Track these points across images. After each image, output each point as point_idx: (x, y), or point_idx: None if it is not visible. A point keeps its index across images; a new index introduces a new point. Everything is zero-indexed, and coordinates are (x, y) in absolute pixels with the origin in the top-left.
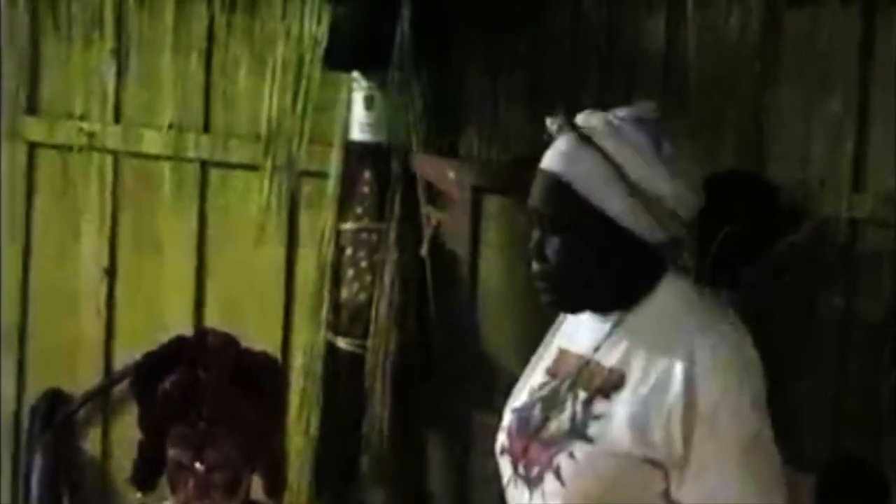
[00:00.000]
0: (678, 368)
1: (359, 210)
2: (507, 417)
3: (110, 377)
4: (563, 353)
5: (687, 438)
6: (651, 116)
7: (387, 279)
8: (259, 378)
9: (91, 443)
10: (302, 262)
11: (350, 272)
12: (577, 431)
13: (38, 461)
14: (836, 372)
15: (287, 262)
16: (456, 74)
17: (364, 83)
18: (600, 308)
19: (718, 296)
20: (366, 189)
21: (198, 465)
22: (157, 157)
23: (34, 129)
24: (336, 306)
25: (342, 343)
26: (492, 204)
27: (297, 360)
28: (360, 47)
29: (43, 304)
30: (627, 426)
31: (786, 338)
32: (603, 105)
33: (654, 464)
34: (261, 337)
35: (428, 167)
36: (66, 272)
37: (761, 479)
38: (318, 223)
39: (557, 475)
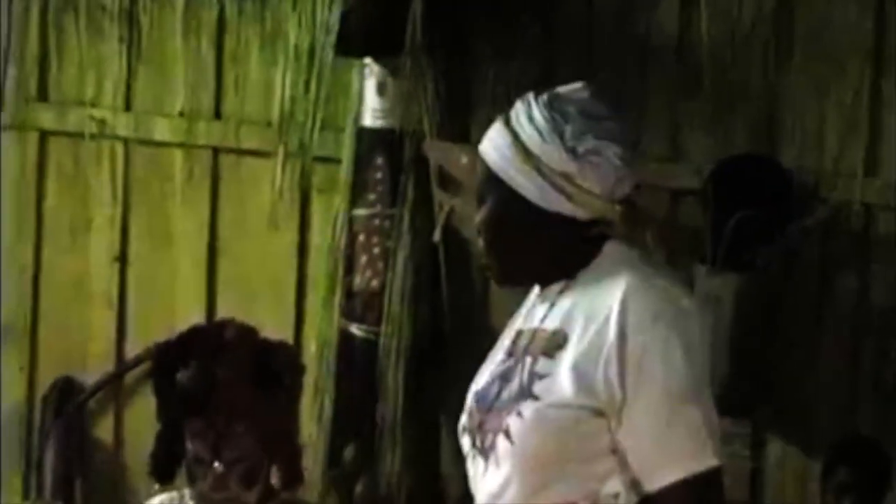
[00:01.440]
0: (613, 319)
1: (371, 196)
2: (469, 399)
3: (122, 365)
4: (518, 332)
5: (622, 385)
6: (578, 95)
7: (399, 265)
8: (277, 371)
9: (103, 430)
10: (314, 249)
11: (363, 258)
12: (524, 392)
13: (50, 449)
14: (848, 354)
15: (299, 249)
16: (468, 60)
17: (376, 69)
18: (539, 280)
19: (658, 258)
20: (378, 175)
21: (216, 464)
22: (168, 145)
23: (45, 117)
24: (349, 293)
25: (356, 329)
26: None
27: (311, 347)
28: (372, 34)
29: (54, 292)
30: (570, 378)
31: (799, 320)
32: (617, 90)
33: (598, 413)
34: (274, 323)
35: (440, 153)
36: (77, 260)
37: (690, 427)
38: (330, 209)
39: (507, 435)
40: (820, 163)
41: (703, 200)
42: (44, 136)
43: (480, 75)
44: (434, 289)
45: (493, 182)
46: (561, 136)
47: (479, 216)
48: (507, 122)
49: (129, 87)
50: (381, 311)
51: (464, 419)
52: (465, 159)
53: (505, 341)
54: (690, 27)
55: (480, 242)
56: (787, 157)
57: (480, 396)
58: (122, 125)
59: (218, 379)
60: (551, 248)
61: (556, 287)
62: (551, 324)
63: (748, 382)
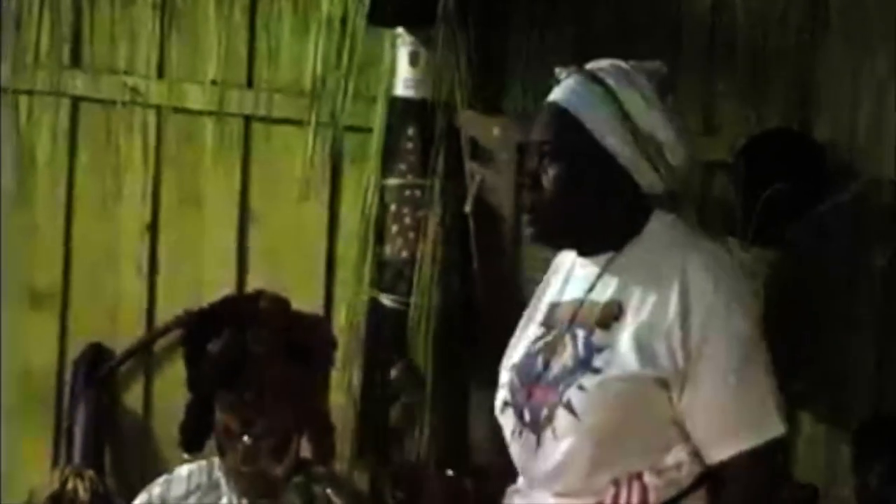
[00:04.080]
0: (674, 288)
1: (402, 166)
2: (506, 375)
3: (152, 332)
4: (553, 305)
5: (686, 351)
6: (660, 72)
7: (430, 236)
8: (309, 344)
9: (132, 398)
10: (345, 219)
11: (394, 228)
12: (582, 364)
13: (80, 415)
14: (879, 330)
15: (330, 219)
16: (501, 31)
17: (409, 39)
18: (580, 244)
19: (697, 225)
20: (410, 145)
21: (245, 437)
22: (200, 113)
23: (78, 84)
24: (380, 263)
25: (386, 300)
26: None
27: (340, 317)
28: (405, 3)
29: (85, 259)
30: (632, 349)
31: (831, 295)
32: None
33: (662, 384)
34: (303, 293)
35: (472, 123)
36: (108, 228)
37: (756, 396)
38: (361, 179)
39: (570, 409)
40: (853, 138)
41: (735, 175)
42: (76, 103)
43: (513, 46)
44: (464, 259)
45: (576, 139)
46: (664, 104)
47: (549, 170)
48: (599, 80)
49: (161, 55)
50: (412, 282)
51: (505, 395)
52: (497, 130)
53: (536, 314)
54: (725, 1)
55: (528, 197)
56: (819, 133)
57: (523, 371)
58: (155, 93)
59: (249, 352)
60: (610, 215)
61: (601, 258)
62: (602, 295)
63: (780, 358)
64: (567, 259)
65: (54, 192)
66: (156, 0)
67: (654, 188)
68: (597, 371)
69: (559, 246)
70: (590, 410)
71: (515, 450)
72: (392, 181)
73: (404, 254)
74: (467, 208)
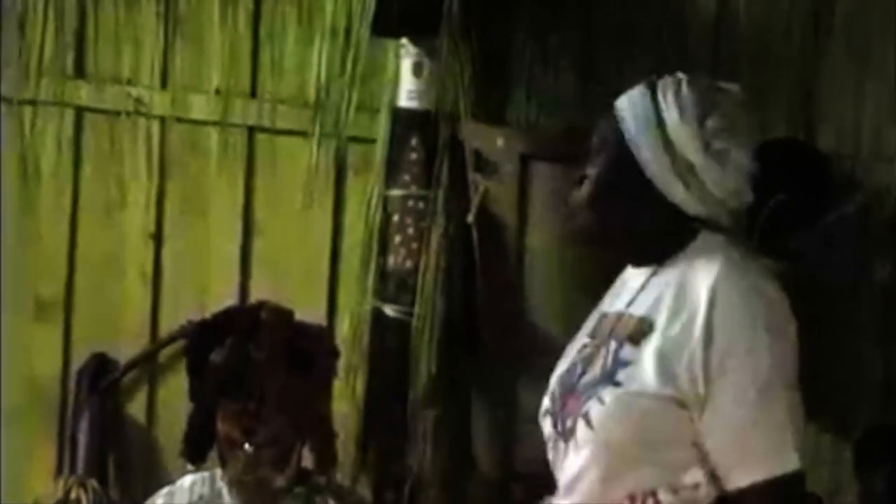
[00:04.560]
0: (701, 312)
1: (406, 177)
2: (552, 383)
3: (156, 342)
4: (603, 316)
5: (707, 375)
6: (734, 96)
7: (434, 246)
8: (312, 354)
9: (136, 407)
10: (349, 229)
11: (397, 239)
12: (606, 378)
13: (83, 425)
14: (883, 340)
15: (334, 229)
16: (505, 41)
17: (412, 49)
18: (624, 254)
19: (754, 254)
20: (413, 156)
21: (247, 446)
22: (204, 123)
23: (82, 94)
24: (383, 273)
25: (389, 310)
26: (540, 171)
27: (344, 327)
28: (408, 13)
29: (89, 269)
30: (654, 367)
31: (834, 308)
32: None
33: (680, 404)
34: (307, 303)
35: (476, 134)
36: (112, 237)
37: (775, 429)
38: (365, 190)
39: (587, 421)
40: (857, 148)
41: None
42: (80, 113)
43: (517, 57)
44: (468, 270)
45: (617, 141)
46: (701, 125)
47: (590, 170)
48: (654, 91)
49: (165, 65)
50: (415, 292)
51: (546, 402)
52: (500, 141)
53: (590, 323)
54: (728, 8)
55: (579, 197)
56: (824, 143)
57: (563, 380)
58: (159, 103)
59: (252, 361)
60: (649, 228)
61: (645, 271)
62: (638, 309)
63: None
64: (629, 271)
65: (58, 201)
66: (159, 10)
67: (689, 208)
68: (618, 385)
69: (601, 249)
70: (605, 424)
71: (551, 458)
72: (395, 192)
73: (407, 264)
74: (470, 219)
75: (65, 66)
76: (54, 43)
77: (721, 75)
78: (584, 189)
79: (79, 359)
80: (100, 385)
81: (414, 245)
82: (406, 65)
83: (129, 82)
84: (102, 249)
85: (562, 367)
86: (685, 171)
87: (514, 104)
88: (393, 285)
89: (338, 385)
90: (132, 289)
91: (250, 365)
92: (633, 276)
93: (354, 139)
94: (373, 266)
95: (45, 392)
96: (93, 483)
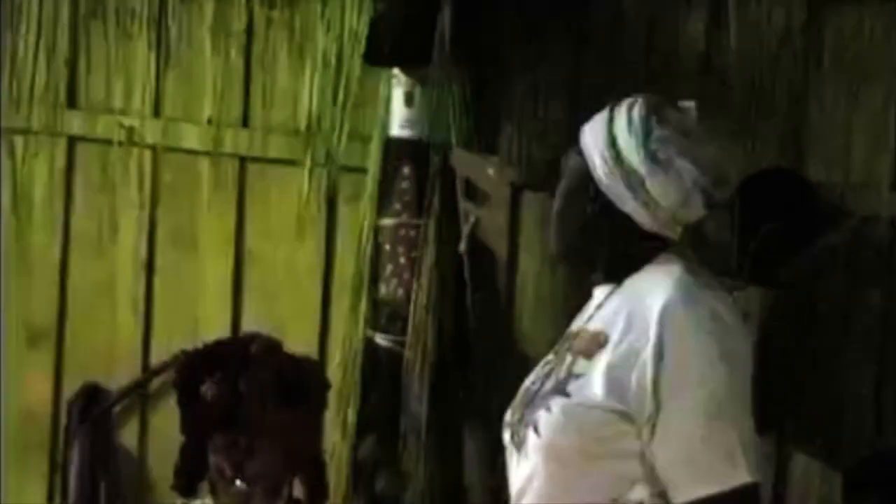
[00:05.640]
0: (652, 329)
1: (398, 206)
2: (516, 398)
3: (148, 372)
4: (568, 333)
5: (657, 394)
6: (685, 110)
7: (425, 275)
8: (301, 386)
9: (128, 437)
10: (340, 258)
11: (389, 268)
12: (558, 389)
13: (75, 455)
14: (875, 368)
15: (325, 258)
16: (497, 72)
17: (404, 79)
18: (592, 267)
19: (714, 277)
20: (405, 185)
21: (238, 482)
22: (196, 152)
23: (74, 124)
24: (375, 302)
25: (381, 339)
26: (530, 201)
27: (335, 357)
28: (400, 43)
29: (81, 298)
30: (603, 379)
31: (826, 335)
32: None
33: (626, 418)
34: (299, 333)
35: (467, 164)
36: (104, 267)
37: (724, 444)
38: (356, 219)
39: (535, 428)
40: (847, 177)
41: (729, 215)
42: (72, 142)
43: (509, 87)
44: (459, 300)
45: (577, 159)
46: (647, 136)
47: (558, 192)
48: (612, 109)
49: (157, 95)
50: (406, 321)
51: (507, 416)
52: (491, 170)
53: (557, 343)
54: (719, 40)
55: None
56: (813, 171)
57: (524, 394)
58: (151, 132)
59: (242, 394)
60: (608, 242)
61: (605, 288)
62: (594, 325)
63: (774, 397)
64: (596, 290)
65: (50, 230)
66: (151, 40)
67: (643, 222)
68: (567, 396)
69: (572, 263)
70: (550, 431)
71: (509, 468)
72: (387, 221)
73: (399, 293)
74: (462, 248)
75: (57, 95)
76: (46, 72)
77: (711, 106)
78: (553, 212)
79: (70, 388)
80: (91, 414)
81: (406, 274)
82: (398, 94)
83: (121, 112)
84: (94, 279)
85: (526, 383)
86: (636, 183)
87: (505, 134)
88: (385, 314)
89: (329, 415)
90: (124, 318)
91: (240, 399)
92: (597, 295)
93: (346, 168)
94: (364, 295)
95: (36, 421)
96: None
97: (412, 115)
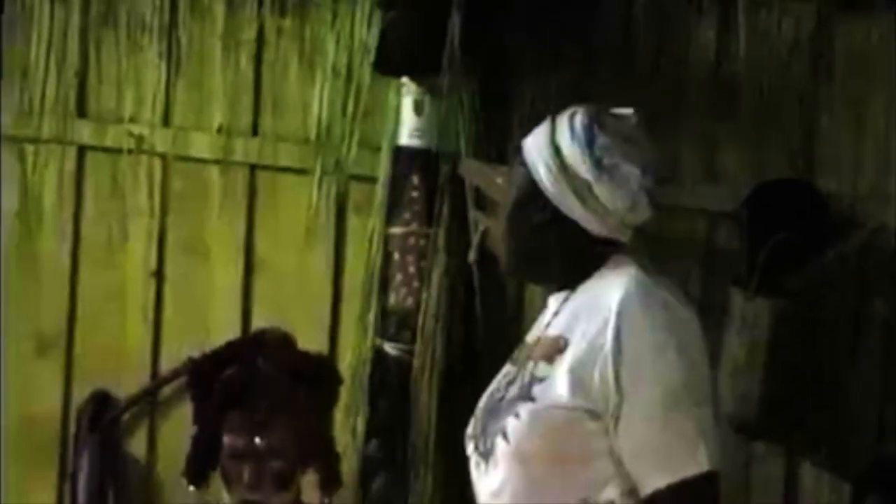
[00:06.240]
0: (610, 324)
1: (407, 215)
2: (477, 410)
3: (157, 380)
4: (524, 344)
5: (618, 387)
6: (622, 117)
7: (434, 284)
8: (315, 374)
9: (137, 445)
10: (350, 267)
11: (398, 277)
12: (523, 395)
13: (84, 463)
14: (882, 379)
15: (335, 267)
16: (506, 80)
17: (413, 88)
18: (544, 280)
19: (664, 275)
20: (414, 194)
21: (257, 439)
22: (205, 161)
23: (83, 132)
24: (384, 311)
25: (389, 348)
26: None
27: (345, 365)
28: (410, 52)
29: (90, 306)
30: (567, 380)
31: (835, 346)
32: (652, 112)
33: (593, 415)
34: (308, 341)
35: (476, 173)
36: (113, 275)
37: (682, 433)
38: (366, 228)
39: (504, 435)
40: (856, 187)
41: (739, 224)
42: (82, 151)
43: (518, 95)
44: (468, 309)
45: (522, 171)
46: (590, 144)
47: (503, 206)
48: (552, 120)
49: (167, 103)
50: (415, 330)
51: (470, 427)
52: (500, 179)
53: (514, 353)
54: (729, 49)
55: (497, 232)
56: (823, 182)
57: (486, 404)
58: (161, 141)
59: (259, 372)
60: (560, 251)
61: (560, 296)
62: (554, 331)
63: (784, 407)
64: (550, 298)
65: (60, 238)
66: (161, 49)
67: (592, 227)
68: (532, 400)
69: (525, 278)
70: (520, 437)
71: (474, 480)
72: (396, 230)
73: (408, 302)
74: (471, 257)
75: (67, 104)
76: (56, 81)
77: (721, 117)
78: (501, 224)
79: (80, 395)
80: (100, 422)
81: (415, 283)
82: (407, 103)
83: (131, 120)
84: (104, 286)
85: (486, 394)
86: (583, 189)
87: (515, 143)
88: (393, 323)
89: (339, 422)
90: (133, 326)
91: (257, 377)
92: (551, 303)
93: (355, 177)
94: (374, 304)
95: (45, 429)
96: None
97: (421, 124)
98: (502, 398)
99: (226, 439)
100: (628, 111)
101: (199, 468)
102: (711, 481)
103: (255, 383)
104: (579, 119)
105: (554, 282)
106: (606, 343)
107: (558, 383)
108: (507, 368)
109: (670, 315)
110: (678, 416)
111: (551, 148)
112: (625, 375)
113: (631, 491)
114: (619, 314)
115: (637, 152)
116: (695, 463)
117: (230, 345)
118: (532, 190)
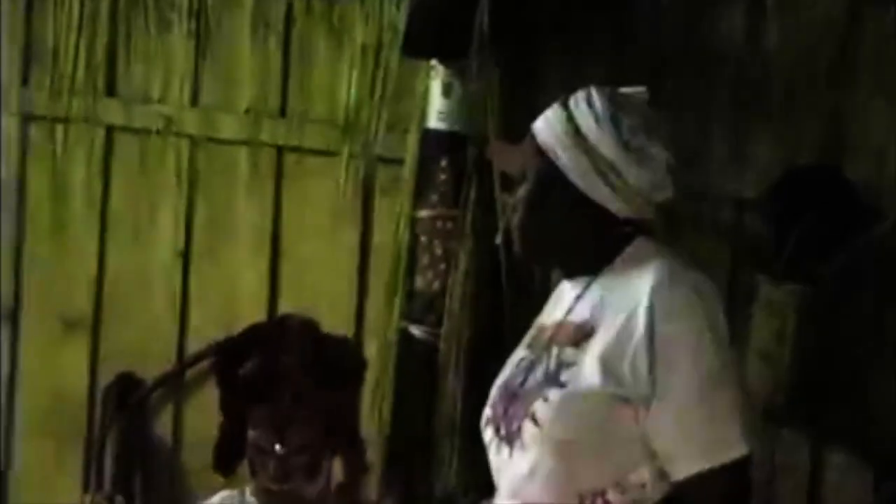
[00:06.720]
0: (641, 310)
1: (434, 198)
2: (492, 394)
3: (183, 361)
4: (540, 327)
5: (652, 372)
6: (639, 97)
7: (461, 267)
8: (339, 360)
9: (163, 426)
10: (376, 249)
11: (425, 260)
12: (550, 379)
13: (110, 442)
14: None
15: (362, 249)
16: (535, 64)
17: (442, 70)
18: (563, 265)
19: (686, 257)
20: (442, 177)
21: (278, 447)
22: (233, 142)
23: (112, 113)
24: (410, 294)
25: (416, 331)
26: None
27: (371, 348)
28: (438, 34)
29: (117, 287)
30: (597, 365)
31: (861, 332)
32: (682, 95)
33: (625, 401)
34: (334, 323)
35: (503, 155)
36: (141, 256)
37: (720, 411)
38: (393, 210)
39: (534, 420)
40: (883, 174)
41: (767, 211)
42: (111, 131)
43: (547, 79)
44: (495, 292)
45: (538, 159)
46: (617, 126)
47: (519, 191)
48: (565, 105)
49: (195, 84)
50: (442, 313)
51: (487, 411)
52: None
53: (527, 339)
54: (758, 35)
55: (514, 218)
56: (851, 169)
57: (504, 389)
58: (189, 122)
59: (282, 365)
60: (583, 236)
61: (581, 281)
62: (578, 316)
63: (811, 394)
64: (564, 285)
65: (88, 219)
66: (190, 29)
67: (615, 208)
68: (562, 385)
69: (541, 265)
70: (552, 422)
71: (493, 463)
72: (424, 212)
73: (435, 285)
74: (498, 240)
75: (96, 84)
76: (86, 62)
77: (750, 103)
78: (517, 212)
79: (106, 377)
80: (127, 403)
81: (441, 266)
82: (436, 86)
83: (160, 101)
84: (131, 268)
85: (501, 378)
86: (607, 170)
87: None
88: (420, 306)
89: (365, 406)
90: (160, 307)
91: (280, 371)
92: (568, 288)
93: (383, 159)
94: (400, 287)
95: (72, 409)
96: (119, 500)
97: (450, 106)
98: (523, 382)
99: (251, 434)
100: (639, 89)
101: (226, 458)
102: (745, 465)
103: (278, 377)
104: (598, 101)
105: (573, 267)
106: (637, 330)
107: (588, 368)
108: (522, 353)
109: (701, 299)
110: (715, 400)
111: (573, 131)
112: (658, 363)
113: (662, 472)
114: (651, 301)
115: (657, 130)
116: (731, 448)
117: (253, 330)
118: (551, 176)
